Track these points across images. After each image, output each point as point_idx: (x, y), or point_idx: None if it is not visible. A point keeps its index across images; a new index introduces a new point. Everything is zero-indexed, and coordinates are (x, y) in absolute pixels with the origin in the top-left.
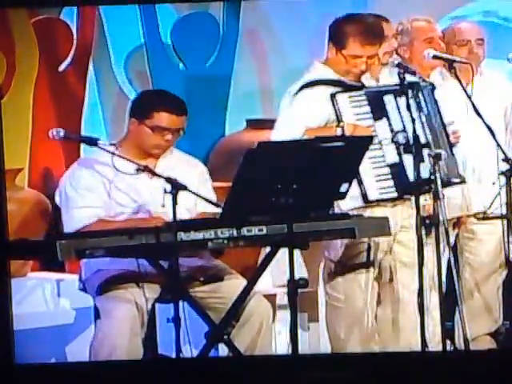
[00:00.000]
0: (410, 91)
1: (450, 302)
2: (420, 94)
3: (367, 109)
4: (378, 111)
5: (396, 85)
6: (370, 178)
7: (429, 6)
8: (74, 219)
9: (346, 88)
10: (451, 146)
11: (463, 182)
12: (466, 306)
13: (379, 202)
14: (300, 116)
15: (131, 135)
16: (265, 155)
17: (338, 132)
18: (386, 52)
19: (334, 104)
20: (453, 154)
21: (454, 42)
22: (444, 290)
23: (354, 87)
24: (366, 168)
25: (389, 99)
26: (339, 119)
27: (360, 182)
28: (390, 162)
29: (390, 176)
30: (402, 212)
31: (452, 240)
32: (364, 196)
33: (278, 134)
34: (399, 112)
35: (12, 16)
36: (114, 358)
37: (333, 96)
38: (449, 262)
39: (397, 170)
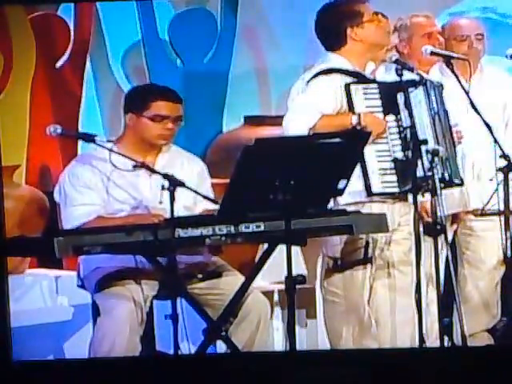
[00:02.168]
0: (423, 88)
1: (448, 298)
2: (432, 92)
3: (378, 102)
4: (389, 105)
5: (410, 80)
6: (374, 170)
7: (427, 2)
8: (73, 217)
9: (361, 80)
10: (455, 146)
11: (462, 184)
12: (464, 302)
13: (381, 195)
14: (315, 101)
15: (131, 130)
16: (262, 152)
17: (354, 120)
18: (387, 49)
19: (347, 94)
20: (456, 155)
21: (453, 38)
22: (442, 286)
23: (369, 80)
24: (372, 161)
25: (401, 95)
26: (351, 109)
27: (365, 174)
28: (396, 157)
29: (394, 171)
30: (400, 209)
31: (450, 236)
32: (368, 188)
33: (293, 121)
34: (409, 108)
35: (9, 12)
36: (114, 355)
37: (347, 86)
38: (447, 258)
39: (401, 166)
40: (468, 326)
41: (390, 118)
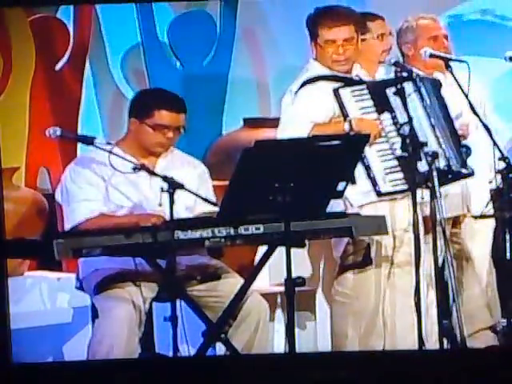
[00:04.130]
0: (412, 83)
1: (447, 300)
2: (422, 86)
3: (370, 102)
4: (381, 104)
5: (398, 77)
6: (379, 171)
7: (426, 5)
8: (75, 213)
9: (347, 83)
10: (459, 139)
11: (473, 174)
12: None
13: (391, 194)
14: (305, 112)
15: (132, 135)
16: (262, 154)
17: (346, 127)
18: (383, 50)
19: (337, 99)
20: (461, 147)
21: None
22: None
23: (355, 81)
24: (376, 161)
25: (391, 92)
26: (344, 114)
27: (371, 176)
28: (398, 154)
29: (399, 168)
30: (410, 207)
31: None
32: (376, 189)
33: (285, 133)
34: (403, 104)
35: (9, 15)
36: (112, 357)
37: (336, 91)
38: (444, 259)
39: (405, 163)
40: (468, 326)
41: (386, 116)
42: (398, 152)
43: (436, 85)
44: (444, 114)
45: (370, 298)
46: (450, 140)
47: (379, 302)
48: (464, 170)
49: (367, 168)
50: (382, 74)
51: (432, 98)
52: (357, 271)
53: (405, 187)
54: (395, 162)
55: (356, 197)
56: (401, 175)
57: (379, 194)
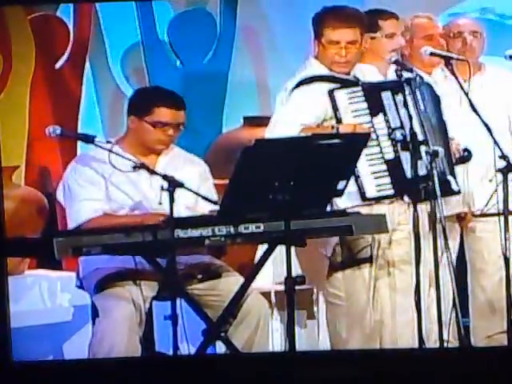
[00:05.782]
0: (407, 87)
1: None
2: (417, 91)
3: (364, 105)
4: (376, 107)
5: (393, 80)
6: (367, 174)
7: (426, 4)
8: (79, 213)
9: (343, 84)
10: (450, 152)
11: (459, 192)
12: (473, 304)
13: (377, 199)
14: (296, 113)
15: (132, 133)
16: (262, 152)
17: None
18: (393, 49)
19: (332, 101)
20: (451, 159)
21: (448, 36)
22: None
23: (351, 83)
24: (364, 165)
25: (386, 95)
26: (337, 116)
27: (357, 180)
28: (387, 158)
29: (387, 173)
30: (399, 208)
31: (457, 238)
32: (362, 194)
33: (273, 133)
34: (396, 108)
35: (8, 13)
36: (113, 356)
37: (330, 93)
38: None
39: (394, 167)
40: (483, 328)
41: (379, 119)
42: (388, 156)
43: (435, 96)
44: (437, 119)
45: (361, 298)
46: (439, 146)
47: (369, 301)
48: (453, 185)
49: (355, 171)
50: (393, 72)
51: (427, 102)
52: (346, 271)
53: (391, 192)
54: (384, 167)
55: (342, 198)
56: (388, 180)
57: (365, 199)
